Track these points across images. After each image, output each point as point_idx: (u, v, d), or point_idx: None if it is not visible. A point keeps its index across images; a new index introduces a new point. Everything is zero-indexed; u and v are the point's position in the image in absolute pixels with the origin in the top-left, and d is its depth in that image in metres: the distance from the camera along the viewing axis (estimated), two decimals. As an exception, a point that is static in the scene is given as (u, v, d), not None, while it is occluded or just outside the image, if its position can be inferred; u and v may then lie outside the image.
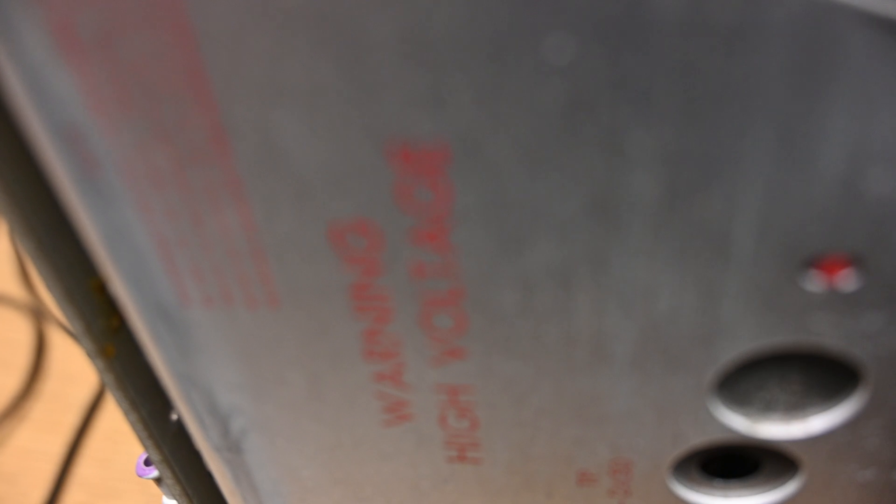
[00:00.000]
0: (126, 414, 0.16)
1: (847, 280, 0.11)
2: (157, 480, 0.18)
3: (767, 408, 0.14)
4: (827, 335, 0.12)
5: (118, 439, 0.32)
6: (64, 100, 0.11)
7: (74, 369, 0.35)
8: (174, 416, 0.17)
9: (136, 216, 0.12)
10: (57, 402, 0.34)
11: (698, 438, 0.14)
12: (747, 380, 0.14)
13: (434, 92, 0.10)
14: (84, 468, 0.31)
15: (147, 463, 0.18)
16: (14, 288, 0.38)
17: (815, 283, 0.11)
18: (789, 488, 0.15)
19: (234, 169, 0.11)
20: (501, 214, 0.11)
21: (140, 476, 0.19)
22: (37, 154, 0.12)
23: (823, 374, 0.13)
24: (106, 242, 0.13)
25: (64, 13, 0.10)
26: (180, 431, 0.17)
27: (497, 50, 0.10)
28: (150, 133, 0.11)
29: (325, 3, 0.09)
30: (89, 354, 0.15)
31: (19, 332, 0.37)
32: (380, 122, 0.10)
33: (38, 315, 0.37)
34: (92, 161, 0.11)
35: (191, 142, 0.11)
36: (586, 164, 0.11)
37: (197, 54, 0.10)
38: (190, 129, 0.11)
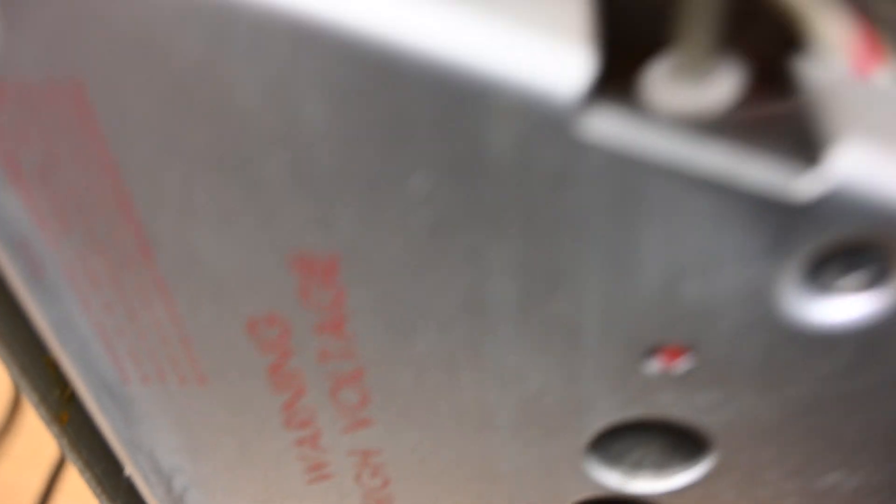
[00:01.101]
0: (81, 473, 0.18)
1: (681, 364, 0.13)
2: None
3: (636, 467, 0.16)
4: (672, 409, 0.14)
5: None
6: (13, 217, 0.13)
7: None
8: (127, 473, 0.19)
9: (79, 310, 0.14)
10: (37, 436, 0.35)
11: (578, 493, 0.16)
12: (618, 443, 0.16)
13: (322, 215, 0.12)
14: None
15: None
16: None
17: (655, 366, 0.14)
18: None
19: (159, 273, 0.13)
20: (388, 310, 0.13)
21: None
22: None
23: (680, 439, 0.15)
24: (53, 331, 0.15)
25: (10, 149, 0.12)
26: (131, 487, 0.19)
27: (370, 183, 0.12)
28: (86, 244, 0.13)
29: (224, 145, 0.11)
30: (45, 422, 0.17)
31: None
32: (280, 238, 0.13)
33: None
34: (38, 265, 0.13)
35: (121, 251, 0.13)
36: (455, 272, 0.13)
37: (121, 182, 0.12)
38: (119, 241, 0.13)
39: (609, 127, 0.11)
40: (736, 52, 0.12)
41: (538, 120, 0.11)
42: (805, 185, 0.11)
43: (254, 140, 0.11)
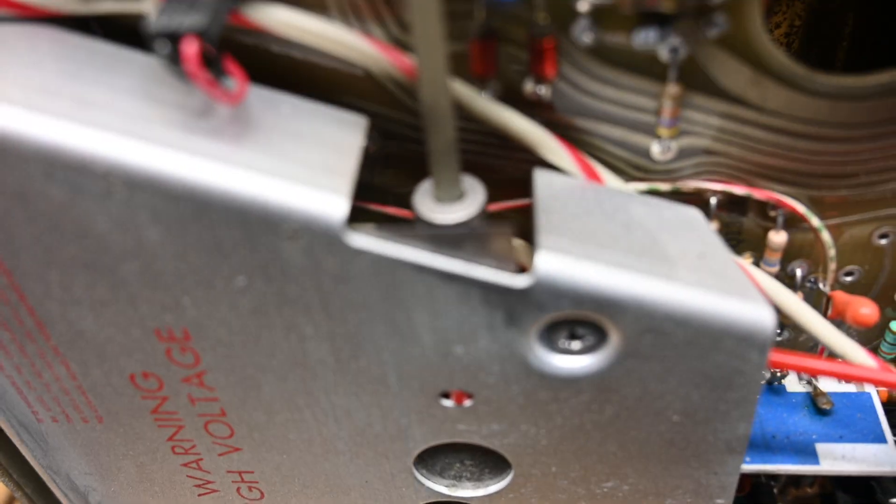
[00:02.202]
0: (13, 492, 0.22)
1: (467, 403, 0.17)
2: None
3: (458, 479, 0.20)
4: (471, 436, 0.18)
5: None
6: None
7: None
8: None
9: (-6, 370, 0.18)
10: None
11: (417, 500, 0.20)
12: (441, 460, 0.20)
13: (171, 302, 0.16)
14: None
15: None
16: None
17: (448, 404, 0.17)
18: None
19: (54, 342, 0.17)
20: (234, 367, 0.17)
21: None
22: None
23: (487, 457, 0.19)
24: (-24, 386, 0.18)
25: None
26: (59, 502, 0.23)
27: (202, 282, 0.16)
28: (-5, 324, 0.17)
29: (89, 257, 0.15)
30: (-23, 453, 0.21)
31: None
32: (142, 317, 0.16)
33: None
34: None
35: (22, 328, 0.17)
36: (279, 340, 0.17)
37: (14, 281, 0.16)
38: (20, 321, 0.17)
39: (368, 238, 0.14)
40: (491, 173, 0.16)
41: (318, 236, 0.14)
42: (518, 280, 0.15)
43: (111, 254, 0.15)
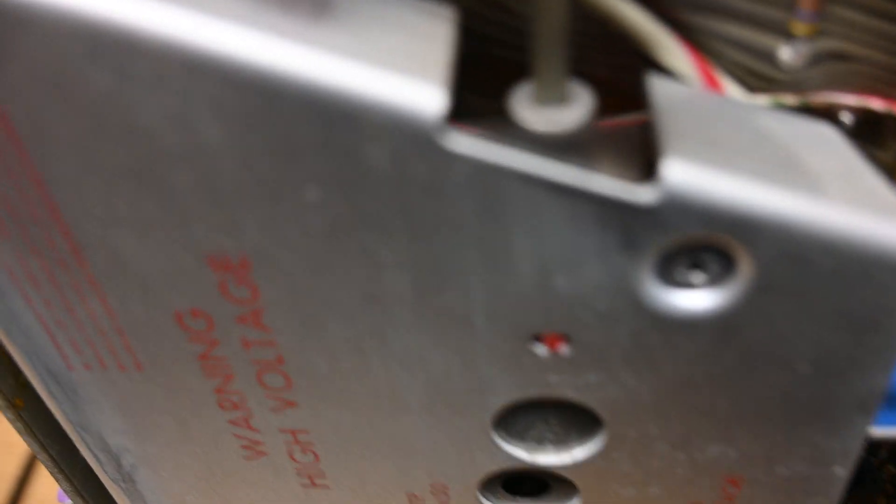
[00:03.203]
0: (37, 454, 0.20)
1: (563, 349, 0.15)
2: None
3: (540, 442, 0.18)
4: (563, 389, 0.16)
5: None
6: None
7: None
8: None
9: (22, 305, 0.16)
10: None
11: (491, 465, 0.18)
12: (521, 420, 0.17)
13: (229, 222, 0.14)
14: (40, 486, 0.35)
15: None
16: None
17: (540, 351, 0.15)
18: None
19: (91, 272, 0.15)
20: (298, 303, 0.15)
21: (61, 503, 0.22)
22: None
23: (576, 416, 0.17)
24: (1, 325, 0.16)
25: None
26: (87, 466, 0.21)
27: (268, 194, 0.13)
28: (24, 248, 0.15)
29: (136, 162, 0.13)
30: (0, 408, 0.19)
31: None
32: (195, 241, 0.14)
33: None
34: (-17, 267, 0.15)
35: (55, 254, 0.15)
36: (352, 269, 0.14)
37: (48, 195, 0.14)
38: (53, 245, 0.14)
39: (469, 140, 0.12)
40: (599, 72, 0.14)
41: (408, 136, 0.12)
42: (642, 192, 0.12)
43: (162, 158, 0.13)
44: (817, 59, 0.15)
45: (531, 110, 0.13)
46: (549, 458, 0.18)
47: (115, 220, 0.14)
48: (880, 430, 0.18)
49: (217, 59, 0.12)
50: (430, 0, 0.14)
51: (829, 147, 0.14)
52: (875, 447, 0.22)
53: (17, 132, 0.13)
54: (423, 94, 0.12)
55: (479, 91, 0.15)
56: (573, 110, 0.13)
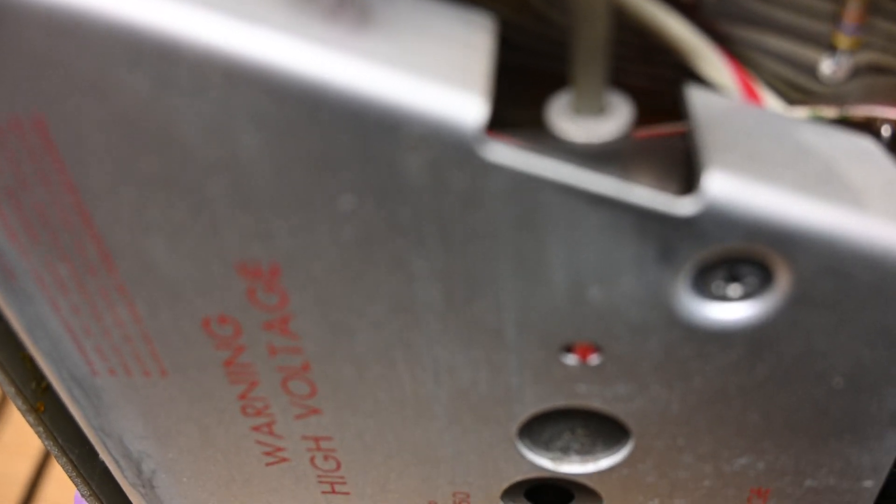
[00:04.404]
0: (56, 458, 0.20)
1: (593, 359, 0.15)
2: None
3: (565, 451, 0.17)
4: (591, 399, 0.16)
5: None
6: (-14, 229, 0.14)
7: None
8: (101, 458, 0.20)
9: (49, 311, 0.16)
10: (27, 425, 0.37)
11: (515, 474, 0.18)
12: (547, 430, 0.17)
13: (262, 229, 0.14)
14: (52, 489, 0.35)
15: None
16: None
17: (571, 361, 0.15)
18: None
19: (119, 278, 0.15)
20: (327, 311, 0.15)
21: (77, 505, 0.22)
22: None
23: (602, 426, 0.17)
24: (26, 329, 0.16)
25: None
26: (106, 471, 0.21)
27: (302, 203, 0.13)
28: (53, 254, 0.14)
29: (170, 171, 0.13)
30: (21, 412, 0.19)
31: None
32: (225, 248, 0.14)
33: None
34: (10, 272, 0.15)
35: (84, 260, 0.14)
36: (383, 278, 0.14)
37: (80, 202, 0.13)
38: (82, 251, 0.14)
39: (508, 150, 0.12)
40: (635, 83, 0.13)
41: (447, 146, 0.12)
42: (682, 204, 0.12)
43: (196, 167, 0.13)
44: (857, 72, 0.15)
45: (570, 121, 0.13)
46: (573, 466, 0.18)
47: (146, 227, 0.14)
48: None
49: (258, 68, 0.12)
50: (468, 9, 0.13)
51: (869, 160, 0.14)
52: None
53: (52, 139, 0.12)
54: (463, 104, 0.12)
55: (518, 101, 0.15)
56: (611, 121, 0.13)
